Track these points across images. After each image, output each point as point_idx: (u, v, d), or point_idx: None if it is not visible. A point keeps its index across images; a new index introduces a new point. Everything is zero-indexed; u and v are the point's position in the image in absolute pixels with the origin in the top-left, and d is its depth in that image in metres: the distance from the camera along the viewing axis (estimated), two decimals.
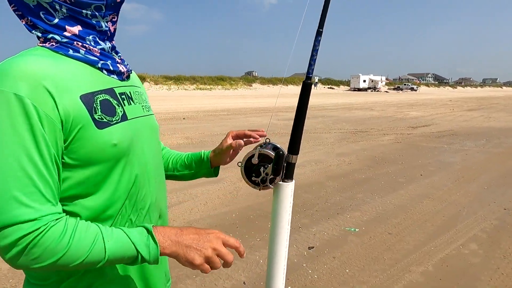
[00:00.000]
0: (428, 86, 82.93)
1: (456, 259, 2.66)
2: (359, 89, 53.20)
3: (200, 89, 35.57)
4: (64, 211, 0.62)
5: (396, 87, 63.38)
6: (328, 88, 53.71)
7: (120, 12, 0.72)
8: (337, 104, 20.32)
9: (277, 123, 10.41)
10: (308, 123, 10.62)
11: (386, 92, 52.14)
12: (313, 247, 2.81)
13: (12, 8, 0.64)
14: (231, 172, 4.91)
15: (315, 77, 58.24)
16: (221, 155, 1.03)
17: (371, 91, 52.74)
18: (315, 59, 0.99)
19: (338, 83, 58.41)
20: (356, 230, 3.14)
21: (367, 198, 3.99)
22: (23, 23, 0.65)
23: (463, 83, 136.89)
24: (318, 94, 34.59)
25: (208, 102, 19.90)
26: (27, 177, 0.54)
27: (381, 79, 57.66)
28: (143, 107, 0.79)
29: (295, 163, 1.00)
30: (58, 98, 0.57)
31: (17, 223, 0.53)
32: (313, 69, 0.99)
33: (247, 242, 2.86)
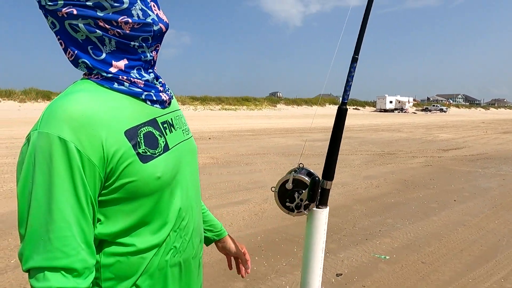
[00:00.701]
0: (459, 107, 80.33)
1: None
2: (386, 110, 52.25)
3: (226, 109, 36.17)
4: (116, 243, 0.65)
5: (424, 108, 61.81)
6: (354, 109, 53.14)
7: None
8: (363, 125, 20.02)
9: (303, 144, 10.36)
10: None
11: (414, 113, 50.91)
12: (341, 274, 2.71)
13: (58, 40, 0.67)
14: (256, 193, 4.89)
15: (340, 98, 57.81)
16: (223, 250, 1.10)
17: (398, 112, 51.67)
18: (351, 85, 0.99)
19: (363, 104, 57.71)
20: (387, 257, 3.01)
21: (397, 224, 3.83)
22: (68, 57, 0.67)
23: (496, 104, 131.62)
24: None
25: (233, 122, 20.17)
26: (64, 221, 0.56)
27: (409, 100, 56.44)
28: (183, 131, 0.81)
29: (329, 189, 0.98)
30: (103, 138, 0.59)
31: (52, 268, 0.56)
32: (348, 95, 0.99)
33: (273, 266, 2.80)
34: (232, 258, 1.12)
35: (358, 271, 2.76)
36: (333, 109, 48.28)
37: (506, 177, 6.35)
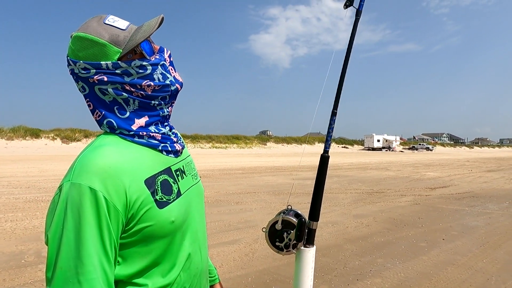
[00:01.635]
0: (444, 146, 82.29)
1: None
2: (374, 149, 53.22)
3: (216, 147, 36.36)
4: (131, 283, 0.71)
5: (411, 146, 63.18)
6: (342, 147, 53.99)
7: None
8: (351, 163, 20.30)
9: (292, 183, 10.42)
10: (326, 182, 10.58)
11: (401, 151, 51.90)
12: None
13: (87, 102, 0.77)
14: (247, 233, 4.86)
15: None
16: None
17: (386, 150, 52.64)
18: (331, 136, 1.10)
19: (352, 142, 58.79)
20: None
21: (387, 264, 3.84)
22: (95, 117, 0.77)
23: (479, 143, 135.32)
24: (333, 153, 34.71)
25: (224, 160, 20.23)
26: (92, 265, 0.62)
27: (396, 138, 57.80)
28: (192, 176, 0.90)
29: (315, 229, 1.06)
30: (126, 187, 0.67)
31: None
32: (329, 145, 1.10)
33: None
34: None
35: None
36: (321, 147, 48.87)
37: (492, 215, 6.46)
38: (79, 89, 0.76)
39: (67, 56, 0.74)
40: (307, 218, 1.05)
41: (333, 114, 1.09)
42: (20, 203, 6.43)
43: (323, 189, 1.07)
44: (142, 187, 0.70)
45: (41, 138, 27.20)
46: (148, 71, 0.75)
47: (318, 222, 1.06)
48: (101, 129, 0.77)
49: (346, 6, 1.12)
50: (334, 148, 50.14)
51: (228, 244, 4.30)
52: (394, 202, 7.68)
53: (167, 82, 0.78)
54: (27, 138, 26.39)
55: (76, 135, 29.17)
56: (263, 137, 49.89)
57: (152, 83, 0.75)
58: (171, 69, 0.81)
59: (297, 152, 37.28)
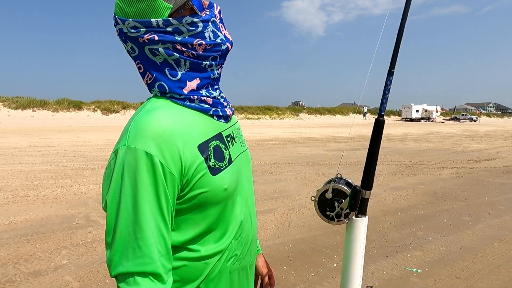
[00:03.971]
0: (490, 117, 77.17)
1: None
2: (412, 119, 50.94)
3: (249, 118, 36.42)
4: (184, 248, 0.70)
5: (453, 117, 59.76)
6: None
7: None
8: (388, 134, 19.59)
9: (327, 154, 10.27)
10: (358, 154, 10.35)
11: (442, 122, 49.33)
12: (371, 287, 2.66)
13: (137, 65, 0.73)
14: (282, 202, 4.89)
15: (364, 107, 57.01)
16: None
17: (425, 121, 50.23)
18: (387, 98, 1.01)
19: (388, 113, 56.57)
20: (419, 271, 2.93)
21: (428, 237, 3.72)
22: (146, 80, 0.73)
23: None
24: (369, 124, 33.71)
25: (256, 131, 20.27)
26: (150, 230, 0.61)
27: (436, 109, 54.79)
28: (241, 143, 0.86)
29: (368, 199, 1.00)
30: (181, 152, 0.64)
31: (142, 273, 0.61)
32: (385, 107, 1.01)
33: (301, 277, 2.79)
34: (259, 279, 1.11)
35: (389, 284, 2.70)
36: (356, 118, 47.54)
37: None
38: (128, 51, 0.72)
39: (114, 15, 0.69)
40: (360, 187, 0.99)
41: (390, 73, 0.99)
42: (68, 170, 6.87)
43: (378, 155, 1.00)
44: (195, 152, 0.67)
45: (83, 110, 28.55)
46: (199, 29, 0.70)
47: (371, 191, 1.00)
48: (151, 93, 0.74)
49: None
50: (370, 119, 48.60)
51: (264, 213, 4.35)
52: (434, 174, 7.37)
53: (218, 40, 0.72)
54: (70, 110, 27.82)
55: (115, 107, 30.29)
56: (296, 108, 49.26)
57: (203, 42, 0.70)
58: (222, 27, 0.75)
59: (330, 123, 36.51)
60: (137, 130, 0.63)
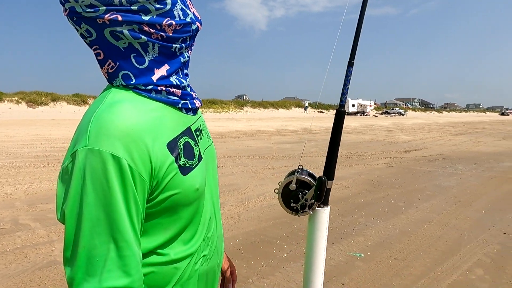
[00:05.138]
0: (415, 111, 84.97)
1: (464, 285, 2.65)
2: (349, 113, 54.13)
3: None
4: (153, 253, 0.64)
5: (384, 111, 64.78)
6: (318, 111, 54.52)
7: None
8: (328, 128, 20.58)
9: (272, 147, 10.46)
10: (302, 146, 10.71)
11: (375, 116, 53.17)
12: None
13: (94, 51, 0.63)
14: (231, 196, 4.87)
15: (305, 101, 59.13)
16: None
17: (360, 115, 53.73)
18: (348, 88, 1.03)
19: (327, 107, 59.33)
20: (362, 255, 3.12)
21: (369, 223, 3.98)
22: (107, 69, 0.63)
23: (448, 108, 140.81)
24: (310, 118, 35.07)
25: None
26: (124, 241, 0.54)
27: (370, 103, 58.89)
28: (207, 136, 0.80)
29: (330, 189, 1.01)
30: (151, 152, 0.57)
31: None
32: (345, 98, 1.03)
33: (253, 269, 2.80)
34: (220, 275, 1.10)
35: (336, 270, 2.83)
36: (298, 112, 49.20)
37: (462, 176, 6.81)
38: (82, 34, 0.62)
39: None
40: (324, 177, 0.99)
41: (350, 64, 1.01)
42: None
43: (339, 146, 1.01)
44: (165, 152, 0.60)
45: (4, 102, 25.57)
46: (168, 7, 0.61)
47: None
48: (113, 83, 0.64)
49: None
50: (310, 112, 50.59)
51: None
52: (371, 164, 7.90)
53: (188, 20, 0.65)
54: None
55: (43, 99, 27.58)
56: (240, 102, 49.39)
57: (173, 22, 0.62)
58: (190, 4, 0.67)
59: (275, 116, 37.31)
60: (99, 128, 0.54)
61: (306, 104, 55.25)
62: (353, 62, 1.02)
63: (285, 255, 3.08)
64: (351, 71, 1.02)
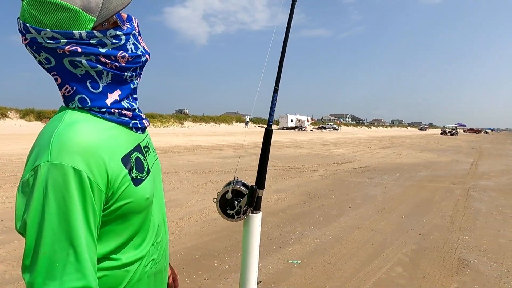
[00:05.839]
0: (348, 126, 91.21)
1: (386, 282, 2.96)
2: (287, 128, 56.26)
3: None
4: (105, 258, 0.70)
5: (320, 126, 68.50)
6: (259, 127, 55.77)
7: None
8: None
9: (214, 161, 10.49)
10: (244, 160, 10.91)
11: (312, 131, 55.93)
12: (260, 282, 2.88)
13: (53, 76, 0.70)
14: (172, 212, 4.81)
15: (246, 116, 60.18)
16: None
17: (298, 130, 56.14)
18: (274, 111, 1.20)
19: (267, 122, 60.86)
20: (299, 262, 3.31)
21: (305, 231, 4.23)
22: (64, 93, 0.70)
23: (376, 123, 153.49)
24: (250, 133, 35.71)
25: None
26: (81, 246, 0.60)
27: (307, 119, 61.90)
28: (153, 152, 0.89)
29: (261, 196, 1.15)
30: (107, 165, 0.65)
31: None
32: (272, 119, 1.19)
33: (195, 282, 2.83)
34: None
35: (274, 277, 2.98)
36: (239, 127, 49.85)
37: (387, 186, 7.52)
38: (41, 61, 0.68)
39: (24, 22, 0.65)
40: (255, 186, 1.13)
41: (275, 91, 1.17)
42: None
43: (268, 159, 1.16)
44: (119, 165, 0.69)
45: None
46: (122, 42, 0.71)
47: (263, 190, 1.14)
48: (69, 106, 0.71)
49: None
50: (251, 127, 51.53)
51: None
52: (308, 177, 8.35)
53: (139, 52, 0.75)
54: None
55: None
56: (180, 116, 48.56)
57: (126, 54, 0.72)
58: (140, 39, 0.78)
59: (216, 131, 37.33)
60: (61, 145, 0.61)
61: (247, 119, 56.24)
62: (277, 89, 1.19)
63: (227, 267, 3.16)
64: (276, 96, 1.19)
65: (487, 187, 7.70)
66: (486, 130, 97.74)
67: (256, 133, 35.14)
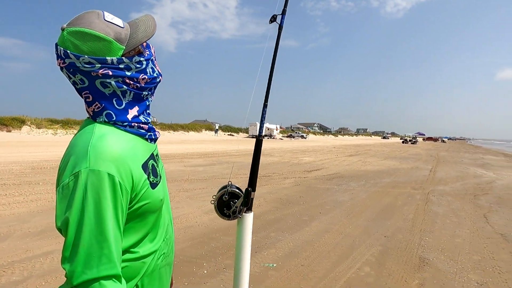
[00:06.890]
0: (315, 134, 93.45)
1: (356, 280, 3.18)
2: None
3: None
4: (127, 251, 0.82)
5: (289, 135, 69.62)
6: (228, 135, 55.80)
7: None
8: (239, 150, 21.35)
9: (185, 170, 10.46)
10: (215, 169, 10.95)
11: (281, 139, 56.74)
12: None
13: (84, 95, 0.82)
14: None
15: (216, 124, 60.05)
16: None
17: (268, 138, 56.71)
18: (264, 124, 1.35)
19: (237, 130, 61.25)
20: (274, 265, 3.46)
21: (279, 236, 4.39)
22: (94, 109, 0.82)
23: (342, 132, 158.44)
24: (220, 141, 35.67)
25: None
26: (111, 240, 0.72)
27: (276, 127, 62.74)
28: (160, 159, 1.03)
29: (253, 198, 1.29)
30: (132, 171, 0.78)
31: (106, 276, 0.71)
32: (262, 131, 1.34)
33: None
34: None
35: (252, 281, 3.10)
36: (209, 135, 49.63)
37: (354, 192, 7.89)
38: (75, 82, 0.80)
39: (65, 49, 0.76)
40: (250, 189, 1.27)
41: (265, 106, 1.34)
42: None
43: (259, 164, 1.31)
44: (140, 171, 0.81)
45: None
46: (143, 66, 0.85)
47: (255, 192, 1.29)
48: (96, 119, 0.82)
49: (271, 21, 1.37)
50: (220, 135, 51.46)
51: None
52: (279, 184, 8.57)
53: (155, 74, 0.89)
54: None
55: None
56: None
57: (146, 76, 0.86)
58: (156, 63, 0.92)
59: (185, 139, 36.92)
60: (97, 154, 0.73)
61: (217, 127, 56.12)
62: (266, 104, 1.35)
63: (205, 272, 3.24)
64: (266, 111, 1.35)
65: (444, 192, 8.30)
66: (443, 139, 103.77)
67: (226, 142, 35.15)
